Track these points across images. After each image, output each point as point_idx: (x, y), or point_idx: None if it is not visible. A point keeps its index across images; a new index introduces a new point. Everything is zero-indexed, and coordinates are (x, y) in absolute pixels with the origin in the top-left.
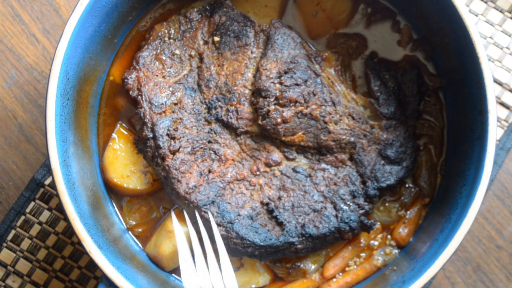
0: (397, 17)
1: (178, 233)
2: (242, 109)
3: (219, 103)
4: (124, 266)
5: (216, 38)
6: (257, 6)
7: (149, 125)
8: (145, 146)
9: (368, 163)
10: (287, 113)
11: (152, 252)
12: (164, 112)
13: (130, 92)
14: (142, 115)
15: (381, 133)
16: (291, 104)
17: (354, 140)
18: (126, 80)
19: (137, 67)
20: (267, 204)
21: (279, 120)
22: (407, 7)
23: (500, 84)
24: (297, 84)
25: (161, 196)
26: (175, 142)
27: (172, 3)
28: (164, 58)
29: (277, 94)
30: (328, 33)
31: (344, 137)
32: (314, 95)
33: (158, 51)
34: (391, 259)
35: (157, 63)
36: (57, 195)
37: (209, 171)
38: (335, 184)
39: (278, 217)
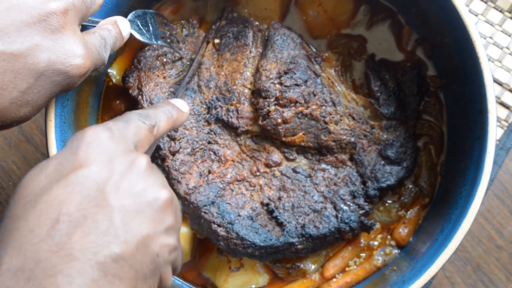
0: (397, 17)
1: None
2: (242, 108)
3: (219, 102)
4: None
5: (216, 41)
6: (257, 9)
7: None
8: None
9: (368, 163)
10: (288, 113)
11: None
12: None
13: (130, 91)
14: None
15: (381, 133)
16: (291, 105)
17: (355, 140)
18: (127, 79)
19: (138, 66)
20: (267, 204)
21: (279, 120)
22: (407, 7)
23: (500, 84)
24: (297, 85)
25: None
26: (175, 143)
27: (172, 4)
28: (165, 59)
29: (277, 94)
30: (329, 34)
31: (344, 137)
32: (314, 95)
33: (160, 52)
34: (391, 259)
35: (158, 63)
36: None
37: (209, 172)
38: (335, 184)
39: (278, 217)
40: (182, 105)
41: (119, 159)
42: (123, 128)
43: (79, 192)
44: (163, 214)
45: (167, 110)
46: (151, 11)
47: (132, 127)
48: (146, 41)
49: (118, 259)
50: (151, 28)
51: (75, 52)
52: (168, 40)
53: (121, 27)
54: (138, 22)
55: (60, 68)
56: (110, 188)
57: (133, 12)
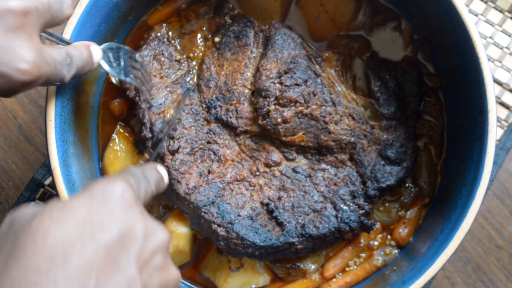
0: (398, 17)
1: None
2: (241, 108)
3: (219, 102)
4: None
5: (217, 39)
6: (258, 9)
7: (148, 125)
8: (145, 147)
9: (368, 163)
10: (287, 113)
11: None
12: (163, 112)
13: (128, 92)
14: (141, 115)
15: (381, 134)
16: (291, 104)
17: (355, 141)
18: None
19: None
20: (267, 204)
21: (279, 120)
22: (407, 7)
23: (500, 84)
24: (297, 84)
25: (161, 196)
26: (174, 142)
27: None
28: (162, 59)
29: (277, 94)
30: (330, 35)
31: (344, 137)
32: (314, 95)
33: (157, 51)
34: (391, 259)
35: (155, 63)
36: (57, 195)
37: (209, 172)
38: (335, 184)
39: (278, 217)
40: (165, 175)
41: (147, 228)
42: (139, 188)
43: (110, 260)
44: None
45: (158, 176)
46: (126, 47)
47: (143, 188)
48: (115, 74)
49: None
50: (122, 63)
51: (23, 57)
52: (138, 81)
53: (93, 52)
54: (110, 54)
55: (3, 70)
56: (139, 261)
57: (107, 44)
